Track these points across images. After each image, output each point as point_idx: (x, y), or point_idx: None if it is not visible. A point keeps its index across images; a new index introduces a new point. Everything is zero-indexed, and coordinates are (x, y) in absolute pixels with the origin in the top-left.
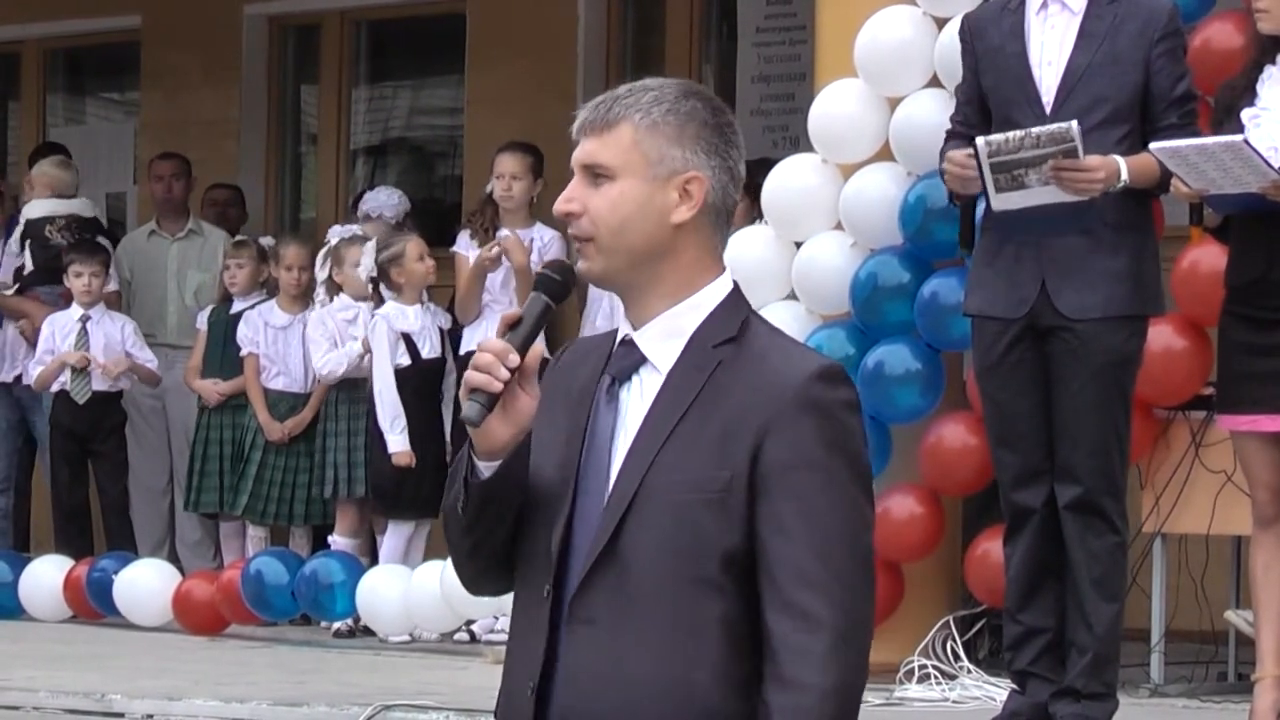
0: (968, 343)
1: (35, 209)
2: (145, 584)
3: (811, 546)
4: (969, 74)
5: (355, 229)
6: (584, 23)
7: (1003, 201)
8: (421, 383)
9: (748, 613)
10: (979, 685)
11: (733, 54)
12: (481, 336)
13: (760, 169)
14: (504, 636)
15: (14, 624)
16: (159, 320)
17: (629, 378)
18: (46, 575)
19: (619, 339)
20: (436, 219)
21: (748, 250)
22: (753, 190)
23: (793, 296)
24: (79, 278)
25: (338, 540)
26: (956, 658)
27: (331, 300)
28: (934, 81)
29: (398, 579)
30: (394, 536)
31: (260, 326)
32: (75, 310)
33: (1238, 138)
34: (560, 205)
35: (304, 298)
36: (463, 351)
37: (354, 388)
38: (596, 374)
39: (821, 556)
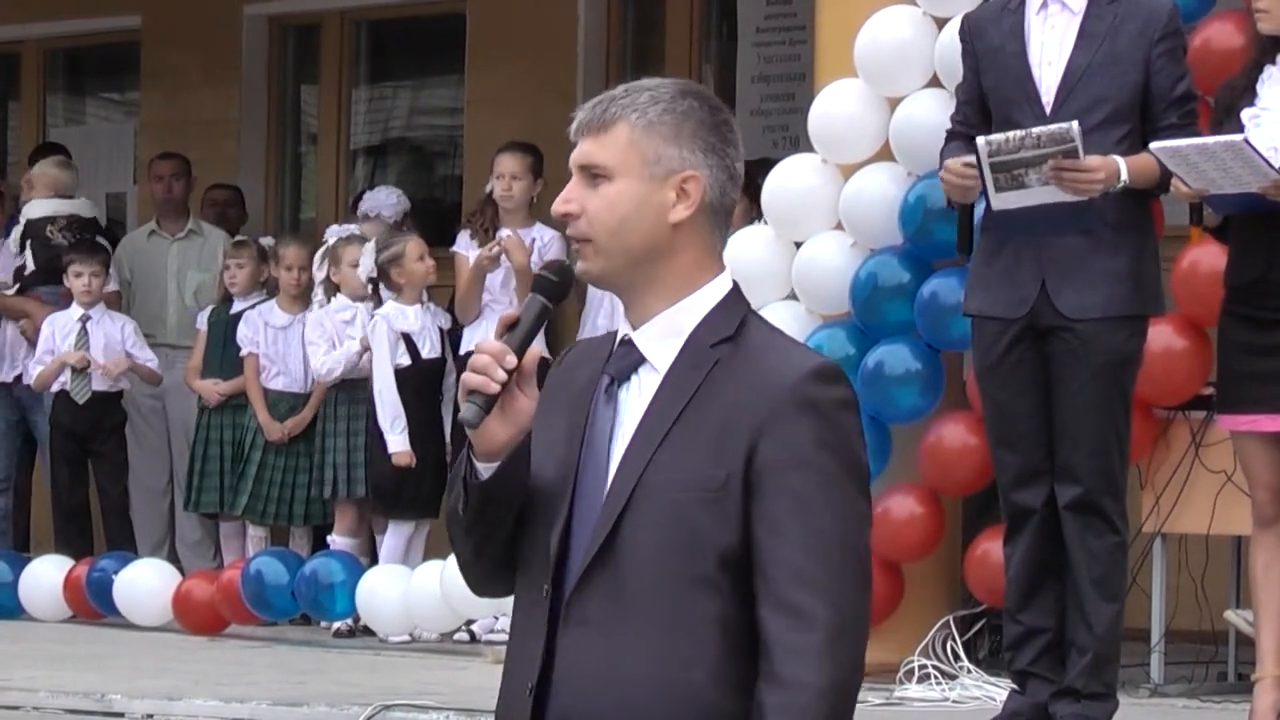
0: (968, 343)
1: (35, 209)
2: (145, 584)
3: (806, 545)
4: (969, 74)
5: (352, 229)
6: (584, 23)
7: (1003, 201)
8: (421, 383)
9: (744, 612)
10: (979, 685)
11: (733, 54)
12: (481, 336)
13: (760, 169)
14: (504, 636)
15: (14, 624)
16: (159, 320)
17: (628, 377)
18: (46, 575)
19: (619, 339)
20: (436, 219)
21: (748, 250)
22: (752, 190)
23: (793, 296)
24: (79, 278)
25: (337, 540)
26: (956, 658)
27: (329, 300)
28: (934, 81)
29: (398, 579)
30: (394, 536)
31: (260, 326)
32: (75, 310)
33: (1238, 137)
34: (558, 206)
35: (304, 298)
36: (463, 351)
37: (354, 388)
38: (596, 374)
39: (816, 555)
